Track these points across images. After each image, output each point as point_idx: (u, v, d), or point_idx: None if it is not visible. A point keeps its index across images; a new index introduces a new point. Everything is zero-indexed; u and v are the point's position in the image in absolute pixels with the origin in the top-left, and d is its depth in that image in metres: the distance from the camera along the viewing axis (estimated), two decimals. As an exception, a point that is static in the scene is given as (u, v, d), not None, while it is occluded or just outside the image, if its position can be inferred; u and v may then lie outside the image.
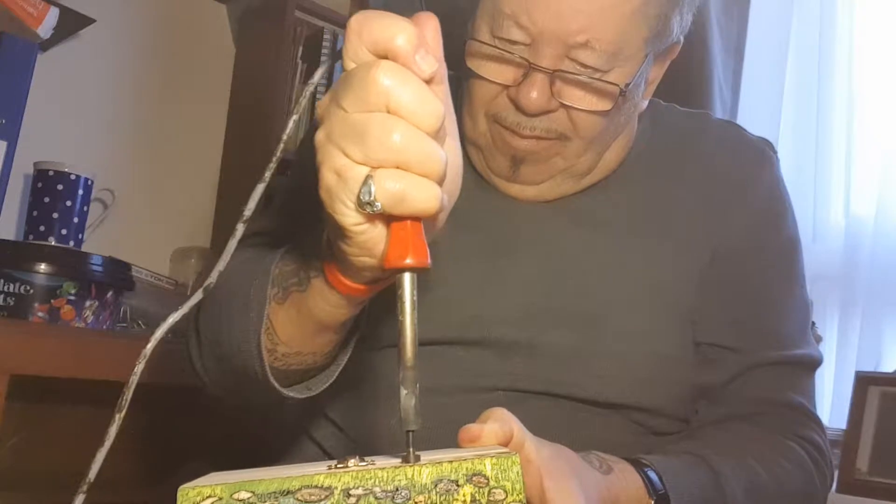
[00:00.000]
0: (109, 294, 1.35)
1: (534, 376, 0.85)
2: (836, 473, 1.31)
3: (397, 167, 0.51)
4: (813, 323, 1.65)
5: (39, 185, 1.38)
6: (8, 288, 1.25)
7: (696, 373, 0.90)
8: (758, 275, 0.94)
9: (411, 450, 0.49)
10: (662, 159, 0.96)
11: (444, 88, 0.55)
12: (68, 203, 1.38)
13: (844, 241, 1.81)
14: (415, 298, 0.52)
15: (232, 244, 0.62)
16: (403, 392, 0.51)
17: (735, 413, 0.91)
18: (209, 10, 1.85)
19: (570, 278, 0.89)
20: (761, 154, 0.99)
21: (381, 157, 0.50)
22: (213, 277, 0.63)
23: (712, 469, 0.81)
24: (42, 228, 1.37)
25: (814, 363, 0.96)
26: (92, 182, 1.42)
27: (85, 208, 1.41)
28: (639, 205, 0.93)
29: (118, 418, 0.58)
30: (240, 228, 0.62)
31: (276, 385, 0.74)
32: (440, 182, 0.52)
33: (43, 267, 1.27)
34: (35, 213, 1.37)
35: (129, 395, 0.59)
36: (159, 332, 0.61)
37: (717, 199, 0.94)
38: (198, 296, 0.63)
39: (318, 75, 0.62)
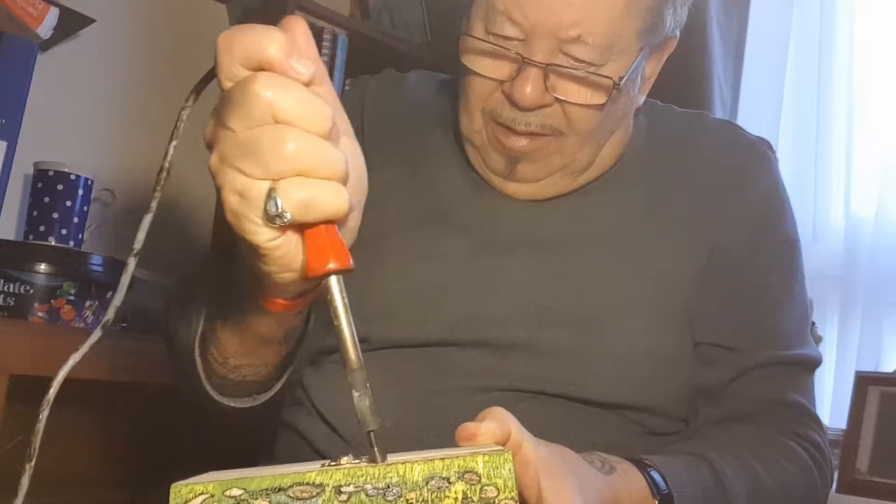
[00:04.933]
0: (109, 294, 1.35)
1: (531, 376, 0.85)
2: (836, 473, 1.31)
3: (297, 175, 0.50)
4: (813, 323, 1.65)
5: (39, 185, 1.38)
6: (8, 288, 1.25)
7: (696, 373, 0.90)
8: (756, 274, 0.94)
9: (375, 450, 0.49)
10: (660, 159, 0.96)
11: (327, 87, 0.54)
12: (68, 203, 1.38)
13: (844, 241, 1.81)
14: (346, 301, 0.51)
15: (125, 279, 0.61)
16: (356, 394, 0.50)
17: (735, 413, 0.91)
18: (209, 10, 1.85)
19: (568, 278, 0.89)
20: (759, 154, 0.99)
21: (279, 168, 0.50)
22: (110, 314, 0.61)
23: (714, 469, 0.81)
24: (42, 228, 1.37)
25: (813, 363, 0.96)
26: (92, 182, 1.42)
27: (85, 208, 1.41)
28: (636, 204, 0.93)
29: (36, 442, 0.57)
30: (132, 262, 0.60)
31: (214, 393, 0.75)
32: (344, 182, 0.51)
33: (43, 267, 1.27)
34: (35, 213, 1.37)
35: (44, 417, 0.58)
36: (61, 375, 0.59)
37: (715, 199, 0.94)
38: (97, 334, 0.62)
39: (193, 100, 0.61)
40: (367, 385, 0.51)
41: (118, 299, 0.61)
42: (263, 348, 0.72)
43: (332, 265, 0.51)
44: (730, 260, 0.92)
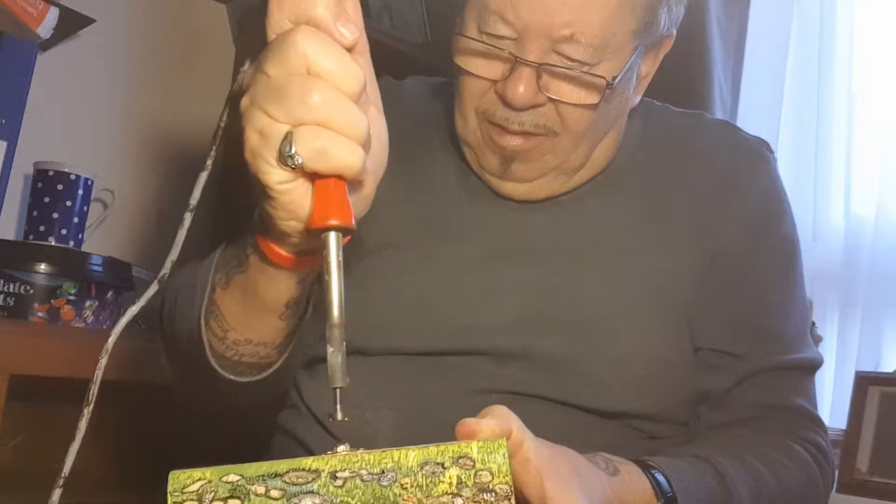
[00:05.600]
0: (109, 294, 1.35)
1: (529, 383, 0.85)
2: (836, 473, 1.31)
3: (318, 125, 0.52)
4: (813, 323, 1.65)
5: (39, 185, 1.38)
6: (8, 288, 1.25)
7: (697, 378, 0.90)
8: (757, 276, 0.94)
9: (338, 406, 0.51)
10: (656, 160, 0.96)
11: (366, 59, 0.56)
12: (68, 203, 1.38)
13: (844, 241, 1.81)
14: (340, 259, 0.52)
15: (181, 234, 0.63)
16: (330, 350, 0.51)
17: (737, 418, 0.91)
18: (209, 10, 1.85)
19: (565, 285, 0.88)
20: (757, 154, 0.98)
21: (301, 115, 0.51)
22: (166, 268, 0.64)
23: (718, 471, 0.81)
24: (42, 228, 1.37)
25: (814, 365, 0.96)
26: (92, 182, 1.42)
27: (85, 208, 1.41)
28: (633, 207, 0.93)
29: (87, 412, 0.59)
30: (187, 218, 0.63)
31: (217, 366, 0.75)
32: (363, 143, 0.53)
33: (43, 267, 1.27)
34: (35, 213, 1.37)
35: (95, 389, 0.60)
36: (118, 327, 0.61)
37: (714, 200, 0.94)
38: (153, 288, 0.64)
39: (249, 64, 0.62)
40: (344, 343, 0.51)
41: (174, 253, 0.63)
42: (263, 318, 0.72)
43: (333, 221, 0.52)
44: (730, 264, 0.92)
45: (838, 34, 1.87)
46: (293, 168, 0.52)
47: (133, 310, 0.63)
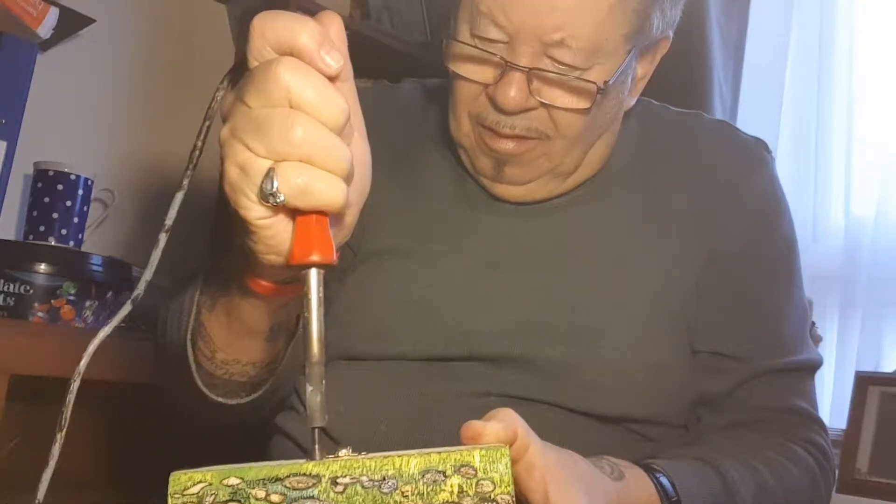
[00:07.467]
0: (109, 294, 1.35)
1: (528, 387, 0.85)
2: (835, 473, 1.31)
3: (300, 161, 0.50)
4: (813, 323, 1.65)
5: (39, 185, 1.38)
6: (8, 288, 1.25)
7: (698, 382, 0.90)
8: (756, 279, 0.93)
9: (317, 447, 0.49)
10: (654, 161, 0.95)
11: (350, 86, 0.54)
12: (68, 203, 1.38)
13: (844, 241, 1.81)
14: (321, 295, 0.51)
15: (156, 255, 0.61)
16: (309, 389, 0.50)
17: (739, 420, 0.90)
18: (209, 10, 1.85)
19: (562, 290, 0.88)
20: (755, 154, 0.98)
21: (283, 150, 0.50)
22: (140, 289, 0.62)
23: (721, 474, 0.81)
24: (42, 228, 1.37)
25: (814, 366, 0.96)
26: (92, 182, 1.42)
27: (85, 208, 1.41)
28: (630, 210, 0.92)
29: (60, 437, 0.58)
30: (162, 238, 0.61)
31: (202, 386, 0.74)
32: (345, 178, 0.51)
33: (43, 267, 1.27)
34: (35, 213, 1.37)
35: (68, 412, 0.59)
36: (91, 346, 0.60)
37: (711, 202, 0.93)
38: (126, 308, 0.63)
39: (226, 82, 0.61)
40: (323, 382, 0.50)
41: (148, 274, 0.62)
42: (249, 340, 0.72)
43: (314, 257, 0.51)
44: (728, 266, 0.91)
45: (838, 34, 1.87)
46: (274, 205, 0.51)
47: (106, 330, 0.61)
